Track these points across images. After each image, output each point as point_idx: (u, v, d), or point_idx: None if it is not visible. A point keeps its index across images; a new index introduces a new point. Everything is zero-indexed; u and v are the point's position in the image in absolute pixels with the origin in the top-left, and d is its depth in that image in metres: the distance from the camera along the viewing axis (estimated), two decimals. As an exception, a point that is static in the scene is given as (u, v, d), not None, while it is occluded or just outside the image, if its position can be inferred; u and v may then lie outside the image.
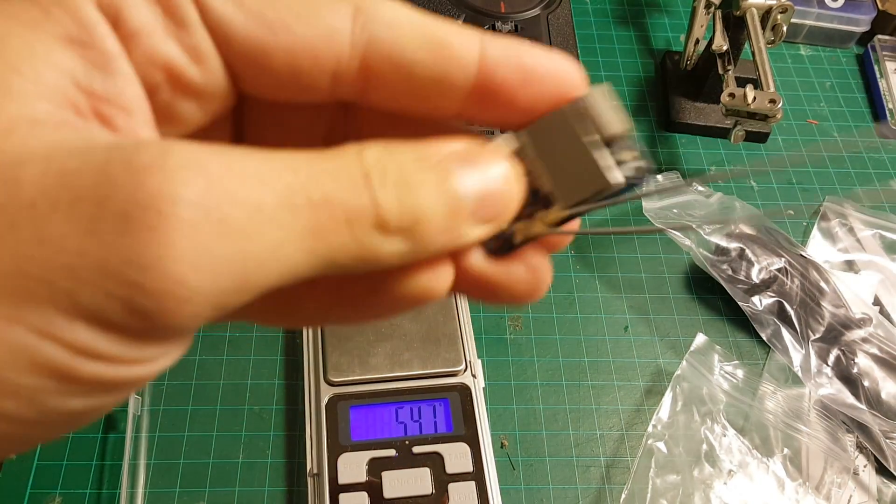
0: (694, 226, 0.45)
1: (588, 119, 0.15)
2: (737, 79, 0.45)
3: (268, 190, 0.12)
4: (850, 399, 0.40)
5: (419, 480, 0.34)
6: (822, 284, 0.43)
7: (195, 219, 0.11)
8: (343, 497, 0.33)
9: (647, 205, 0.45)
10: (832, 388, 0.40)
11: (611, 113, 0.15)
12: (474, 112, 0.16)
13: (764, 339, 0.42)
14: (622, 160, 0.15)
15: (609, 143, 0.15)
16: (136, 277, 0.11)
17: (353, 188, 0.13)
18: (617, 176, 0.15)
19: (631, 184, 0.15)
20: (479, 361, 0.38)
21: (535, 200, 0.16)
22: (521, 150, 0.16)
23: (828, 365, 0.41)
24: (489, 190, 0.15)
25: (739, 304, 0.42)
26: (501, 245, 0.16)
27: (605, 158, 0.15)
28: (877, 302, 0.45)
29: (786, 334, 0.42)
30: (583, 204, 0.16)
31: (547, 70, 0.15)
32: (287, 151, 0.13)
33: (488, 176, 0.15)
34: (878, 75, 0.55)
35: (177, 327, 0.12)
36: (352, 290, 0.16)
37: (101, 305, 0.11)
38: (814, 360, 0.41)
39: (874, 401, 0.40)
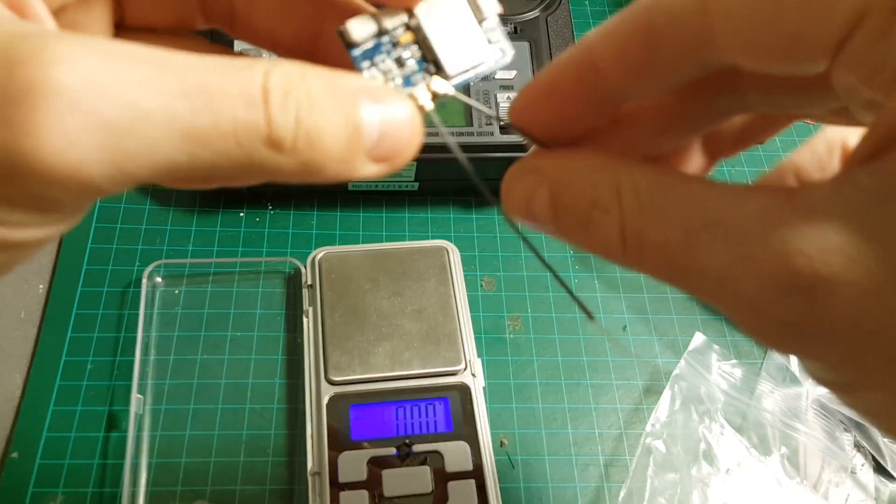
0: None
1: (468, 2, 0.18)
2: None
3: (145, 91, 0.13)
4: (848, 398, 0.40)
5: (419, 479, 0.34)
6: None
7: (65, 110, 0.12)
8: (343, 496, 0.34)
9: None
10: (829, 387, 0.40)
11: None
12: None
13: (762, 338, 0.42)
14: (493, 39, 0.18)
15: (481, 23, 0.18)
16: (9, 159, 0.12)
17: (246, 104, 0.13)
18: (493, 51, 0.18)
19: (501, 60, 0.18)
20: (479, 361, 0.38)
21: (423, 69, 0.18)
22: (413, 23, 0.18)
23: (825, 364, 0.41)
24: (392, 132, 0.16)
25: (737, 303, 0.43)
26: None
27: (481, 36, 0.18)
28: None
29: (783, 334, 0.42)
30: (463, 74, 0.18)
31: None
32: (185, 55, 0.14)
33: (394, 118, 0.16)
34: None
35: (54, 202, 0.13)
36: None
37: None
38: (811, 360, 0.41)
39: (871, 400, 0.40)
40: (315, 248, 0.41)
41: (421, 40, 0.18)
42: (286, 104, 0.14)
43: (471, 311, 0.40)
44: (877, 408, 0.15)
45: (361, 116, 0.15)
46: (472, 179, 0.18)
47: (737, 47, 0.15)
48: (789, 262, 0.13)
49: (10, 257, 0.14)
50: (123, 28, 0.19)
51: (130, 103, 0.12)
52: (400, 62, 0.18)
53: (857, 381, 0.14)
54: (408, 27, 0.18)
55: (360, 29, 0.17)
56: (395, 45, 0.18)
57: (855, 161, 0.14)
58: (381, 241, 0.44)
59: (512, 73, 0.44)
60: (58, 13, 0.17)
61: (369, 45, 0.17)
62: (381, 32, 0.17)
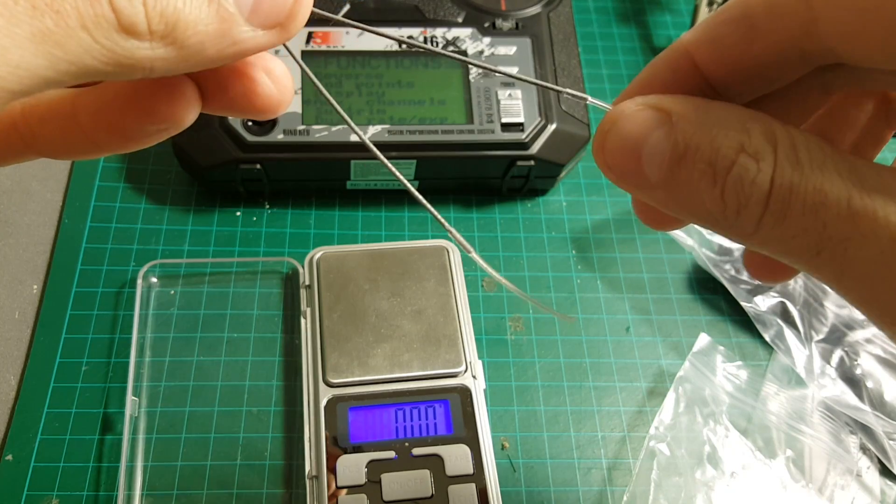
0: (696, 225, 0.44)
1: None
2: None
3: None
4: (854, 400, 0.39)
5: (419, 483, 0.34)
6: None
7: None
8: (342, 499, 0.33)
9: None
10: (835, 389, 0.40)
11: None
12: None
13: (767, 339, 0.42)
14: None
15: None
16: None
17: None
18: None
19: None
20: (480, 362, 0.38)
21: None
22: None
23: (831, 366, 0.41)
24: None
25: (742, 304, 0.42)
26: None
27: None
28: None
29: (789, 335, 0.41)
30: None
31: None
32: None
33: None
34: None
35: None
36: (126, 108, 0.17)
37: None
38: (817, 361, 0.41)
39: (877, 402, 0.40)
40: (313, 248, 0.40)
41: None
42: None
43: (471, 312, 0.39)
44: None
45: None
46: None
47: (842, 36, 0.14)
48: None
49: None
50: None
51: None
52: None
53: None
54: None
55: None
56: None
57: None
58: (381, 241, 0.43)
59: (514, 70, 0.43)
60: None
61: None
62: None
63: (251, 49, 0.15)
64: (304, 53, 0.42)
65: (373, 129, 0.41)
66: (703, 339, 0.41)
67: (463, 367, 0.37)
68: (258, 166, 0.40)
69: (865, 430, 0.39)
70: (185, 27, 0.14)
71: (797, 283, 0.43)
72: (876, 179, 0.13)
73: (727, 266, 0.43)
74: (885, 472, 0.38)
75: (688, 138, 0.14)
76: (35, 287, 0.41)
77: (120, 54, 0.14)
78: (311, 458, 0.35)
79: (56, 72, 0.13)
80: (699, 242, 0.44)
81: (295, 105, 0.41)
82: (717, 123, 0.14)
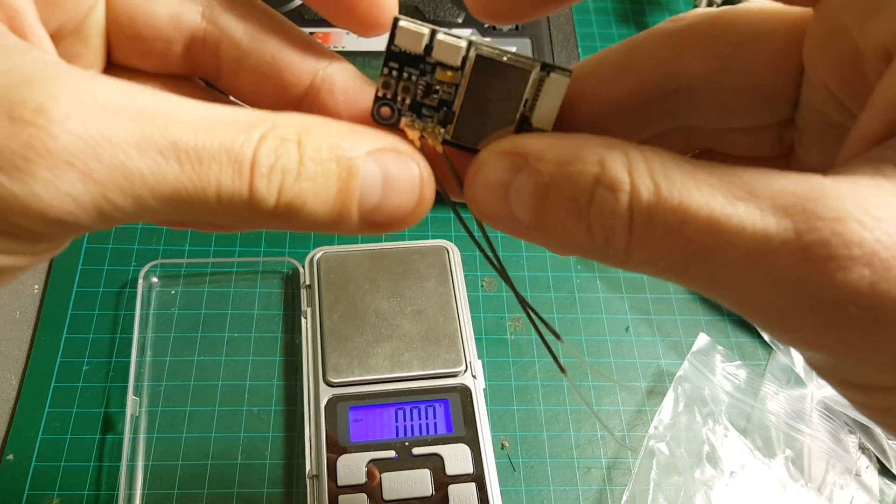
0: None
1: (532, 92, 0.16)
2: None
3: (139, 154, 0.13)
4: (853, 400, 0.39)
5: (419, 482, 0.34)
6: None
7: (60, 167, 0.13)
8: (342, 499, 0.33)
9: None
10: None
11: (549, 107, 0.16)
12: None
13: (766, 339, 0.42)
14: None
15: (524, 116, 0.16)
16: (8, 209, 0.13)
17: (233, 172, 0.14)
18: None
19: None
20: (480, 362, 0.38)
21: (436, 112, 0.16)
22: (459, 73, 0.16)
23: (830, 365, 0.41)
24: (390, 206, 0.15)
25: (741, 304, 0.42)
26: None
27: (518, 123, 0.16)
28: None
29: (788, 335, 0.41)
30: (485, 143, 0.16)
31: None
32: (186, 109, 0.14)
33: (397, 188, 0.15)
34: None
35: (38, 234, 0.14)
36: None
37: None
38: (816, 361, 0.41)
39: (877, 401, 0.40)
40: (313, 248, 0.40)
41: (455, 90, 0.16)
42: (272, 173, 0.14)
43: (471, 312, 0.40)
44: None
45: (355, 186, 0.15)
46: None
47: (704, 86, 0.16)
48: (847, 233, 0.11)
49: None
50: (112, 66, 0.19)
51: (123, 165, 0.13)
52: (427, 90, 0.16)
53: None
54: (453, 69, 0.16)
55: (408, 37, 0.16)
56: (433, 68, 0.16)
57: (864, 143, 0.14)
58: (381, 241, 0.43)
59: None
60: (55, 37, 0.16)
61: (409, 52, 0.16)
62: (426, 51, 0.16)
63: (347, 234, 0.16)
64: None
65: (373, 130, 0.41)
66: (702, 339, 0.41)
67: (463, 367, 0.37)
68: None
69: (864, 429, 0.39)
70: (304, 215, 0.14)
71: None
72: (743, 186, 0.13)
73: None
74: (883, 471, 0.39)
75: (547, 178, 0.14)
76: (36, 287, 0.41)
77: (239, 219, 0.14)
78: (312, 457, 0.35)
79: (175, 218, 0.14)
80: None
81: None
82: (572, 158, 0.14)
